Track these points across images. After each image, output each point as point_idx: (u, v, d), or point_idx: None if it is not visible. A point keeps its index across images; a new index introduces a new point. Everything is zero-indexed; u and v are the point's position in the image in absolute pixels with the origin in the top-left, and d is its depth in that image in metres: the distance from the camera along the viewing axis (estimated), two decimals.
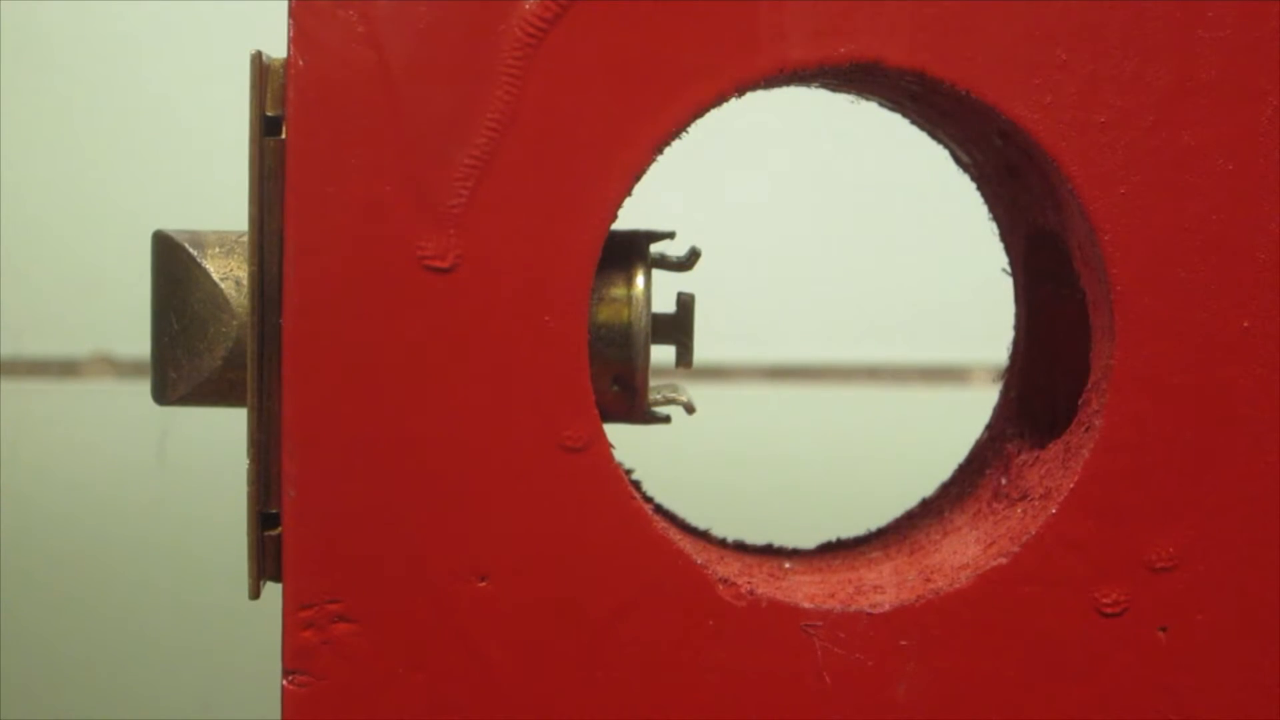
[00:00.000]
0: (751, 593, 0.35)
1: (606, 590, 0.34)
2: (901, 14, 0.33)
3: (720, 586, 0.35)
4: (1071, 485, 0.35)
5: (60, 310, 0.77)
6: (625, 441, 0.37)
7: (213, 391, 0.36)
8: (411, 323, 0.33)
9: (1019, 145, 0.35)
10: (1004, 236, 0.43)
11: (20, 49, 0.74)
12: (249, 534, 0.35)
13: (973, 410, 0.46)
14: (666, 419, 0.39)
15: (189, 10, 0.74)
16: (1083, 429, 0.36)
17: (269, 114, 0.34)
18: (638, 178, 0.34)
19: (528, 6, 0.33)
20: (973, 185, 0.43)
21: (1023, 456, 0.39)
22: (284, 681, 0.34)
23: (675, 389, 0.40)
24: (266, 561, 0.35)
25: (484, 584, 0.34)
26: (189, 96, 0.74)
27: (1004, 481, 0.39)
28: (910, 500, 0.44)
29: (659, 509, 0.41)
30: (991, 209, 0.42)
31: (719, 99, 0.34)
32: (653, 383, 0.38)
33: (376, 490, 0.34)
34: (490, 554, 0.34)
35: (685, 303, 0.39)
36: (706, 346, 0.41)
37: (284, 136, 0.33)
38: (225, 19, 0.73)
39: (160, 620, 0.77)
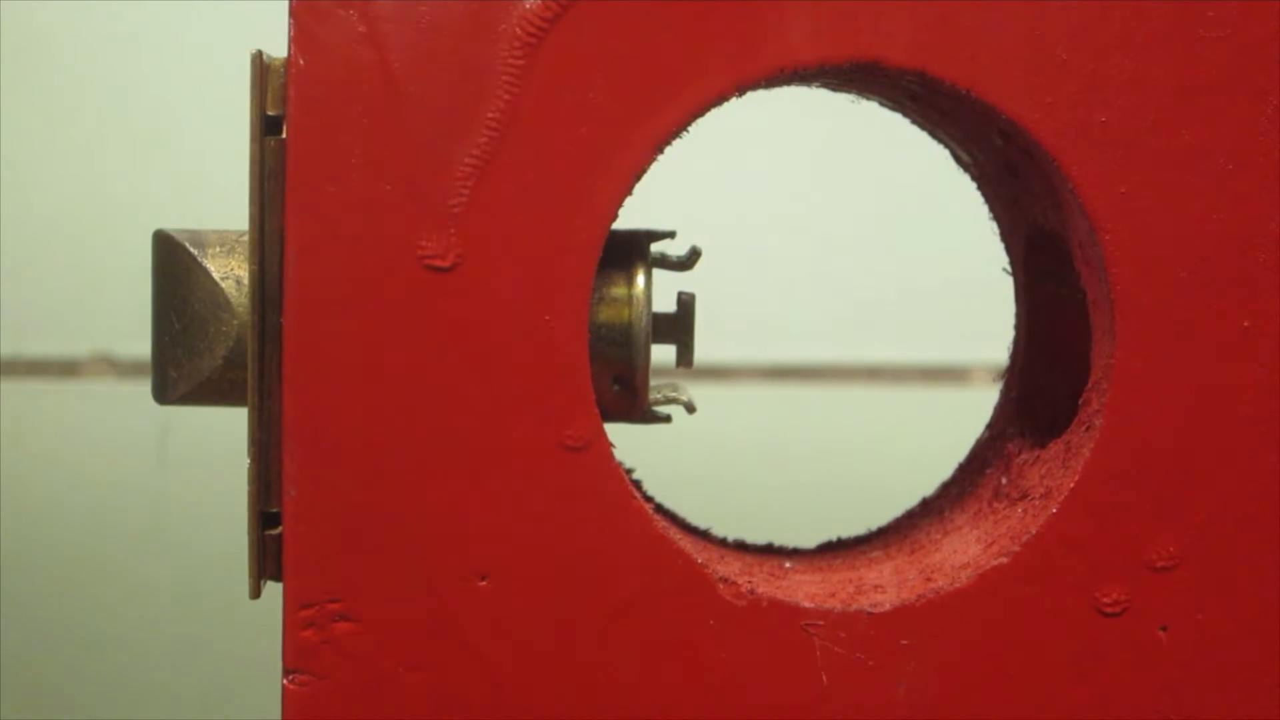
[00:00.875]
0: (752, 592, 0.35)
1: (606, 590, 0.34)
2: (901, 14, 0.33)
3: (720, 586, 0.35)
4: (1072, 485, 0.35)
5: (60, 310, 0.77)
6: (625, 441, 0.37)
7: (213, 391, 0.36)
8: (411, 322, 0.33)
9: (1019, 145, 0.35)
10: (1004, 236, 0.43)
11: (20, 49, 0.74)
12: (249, 533, 0.35)
13: (973, 410, 0.46)
14: (667, 418, 0.39)
15: (189, 10, 0.74)
16: (1083, 429, 0.36)
17: (269, 113, 0.34)
18: (638, 177, 0.34)
19: (528, 6, 0.33)
20: (973, 185, 0.43)
21: (1023, 456, 0.39)
22: (284, 681, 0.34)
23: (676, 388, 0.40)
24: (267, 561, 0.35)
25: (484, 584, 0.34)
26: (189, 96, 0.74)
27: (1004, 481, 0.39)
28: (910, 500, 0.44)
29: (659, 509, 0.41)
30: (991, 209, 0.42)
31: (719, 99, 0.34)
32: (653, 382, 0.38)
33: (376, 490, 0.34)
34: (490, 554, 0.34)
35: (685, 302, 0.39)
36: (706, 346, 0.41)
37: (284, 136, 0.33)
38: (225, 19, 0.73)
39: (161, 620, 0.77)
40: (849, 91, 0.40)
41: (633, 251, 0.38)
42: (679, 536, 0.35)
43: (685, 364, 0.39)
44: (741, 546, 0.42)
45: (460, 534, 0.34)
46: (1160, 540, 0.35)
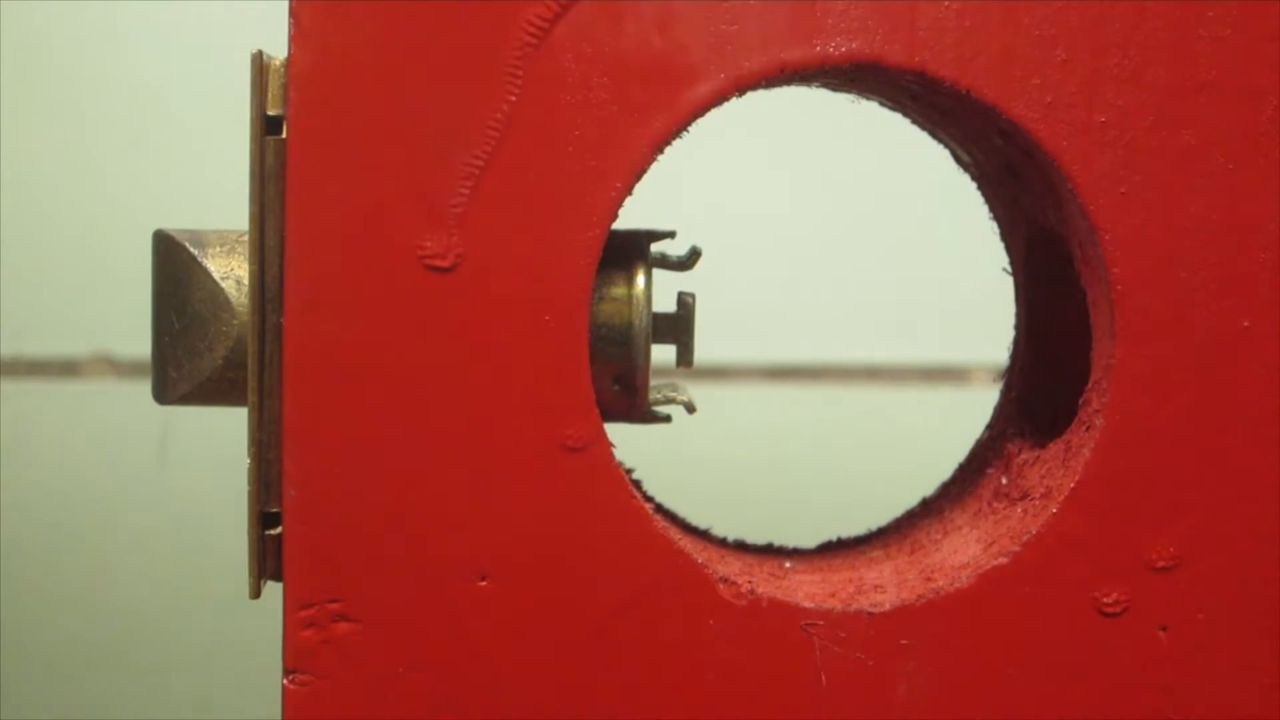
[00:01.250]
0: (752, 592, 0.35)
1: (607, 590, 0.34)
2: (901, 14, 0.33)
3: (721, 586, 0.35)
4: (1072, 485, 0.35)
5: (60, 310, 0.77)
6: (625, 441, 0.37)
7: (213, 391, 0.36)
8: (412, 322, 0.33)
9: (1019, 145, 0.35)
10: (1004, 236, 0.43)
11: (21, 48, 0.74)
12: (249, 533, 0.35)
13: (973, 410, 0.46)
14: (667, 419, 0.39)
15: (189, 10, 0.74)
16: (1083, 429, 0.36)
17: (270, 113, 0.34)
18: (638, 177, 0.34)
19: (528, 6, 0.33)
20: (973, 185, 0.43)
21: (1023, 456, 0.39)
22: (284, 681, 0.34)
23: (675, 388, 0.40)
24: (267, 561, 0.35)
25: (484, 584, 0.34)
26: (189, 96, 0.74)
27: (1004, 481, 0.39)
28: (910, 500, 0.44)
29: (659, 509, 0.41)
30: (991, 209, 0.42)
31: (719, 99, 0.34)
32: (653, 382, 0.38)
33: (376, 490, 0.34)
34: (490, 554, 0.34)
35: (685, 302, 0.39)
36: (706, 346, 0.41)
37: (284, 136, 0.33)
38: (225, 19, 0.73)
39: (160, 620, 0.77)
40: (849, 91, 0.40)
41: (633, 251, 0.38)
42: (679, 536, 0.35)
43: (685, 364, 0.39)
44: (741, 546, 0.42)
45: (460, 534, 0.34)
46: (1160, 540, 0.35)
